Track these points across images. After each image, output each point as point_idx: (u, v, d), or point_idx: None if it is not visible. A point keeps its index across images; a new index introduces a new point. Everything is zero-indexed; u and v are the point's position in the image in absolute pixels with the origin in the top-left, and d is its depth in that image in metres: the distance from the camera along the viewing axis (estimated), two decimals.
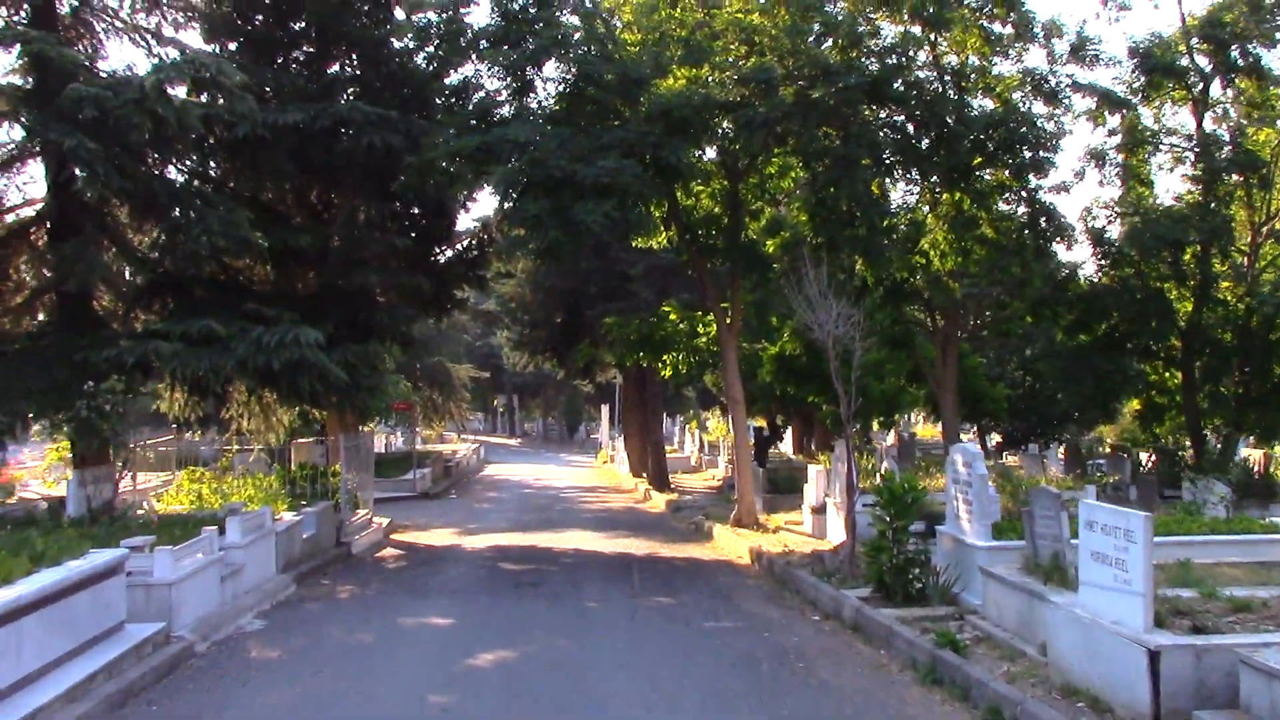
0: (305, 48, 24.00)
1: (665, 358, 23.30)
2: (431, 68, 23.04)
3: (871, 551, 12.57)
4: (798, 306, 17.60)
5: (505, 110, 19.56)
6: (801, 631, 12.18)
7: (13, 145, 19.60)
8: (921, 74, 20.09)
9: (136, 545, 11.60)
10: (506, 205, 19.08)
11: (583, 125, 18.51)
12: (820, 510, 19.30)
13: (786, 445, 51.15)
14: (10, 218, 21.10)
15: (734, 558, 18.69)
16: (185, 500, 19.09)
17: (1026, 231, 21.68)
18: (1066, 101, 20.73)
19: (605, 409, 65.72)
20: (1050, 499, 10.30)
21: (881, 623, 11.42)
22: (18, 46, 17.46)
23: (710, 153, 21.96)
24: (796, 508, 23.23)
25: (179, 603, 11.48)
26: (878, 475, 16.81)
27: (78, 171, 17.19)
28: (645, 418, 37.61)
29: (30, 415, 17.24)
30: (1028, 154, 20.29)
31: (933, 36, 20.54)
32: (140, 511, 17.44)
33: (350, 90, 22.93)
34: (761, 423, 36.50)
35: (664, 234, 22.19)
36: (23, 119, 17.49)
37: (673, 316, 23.10)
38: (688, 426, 58.74)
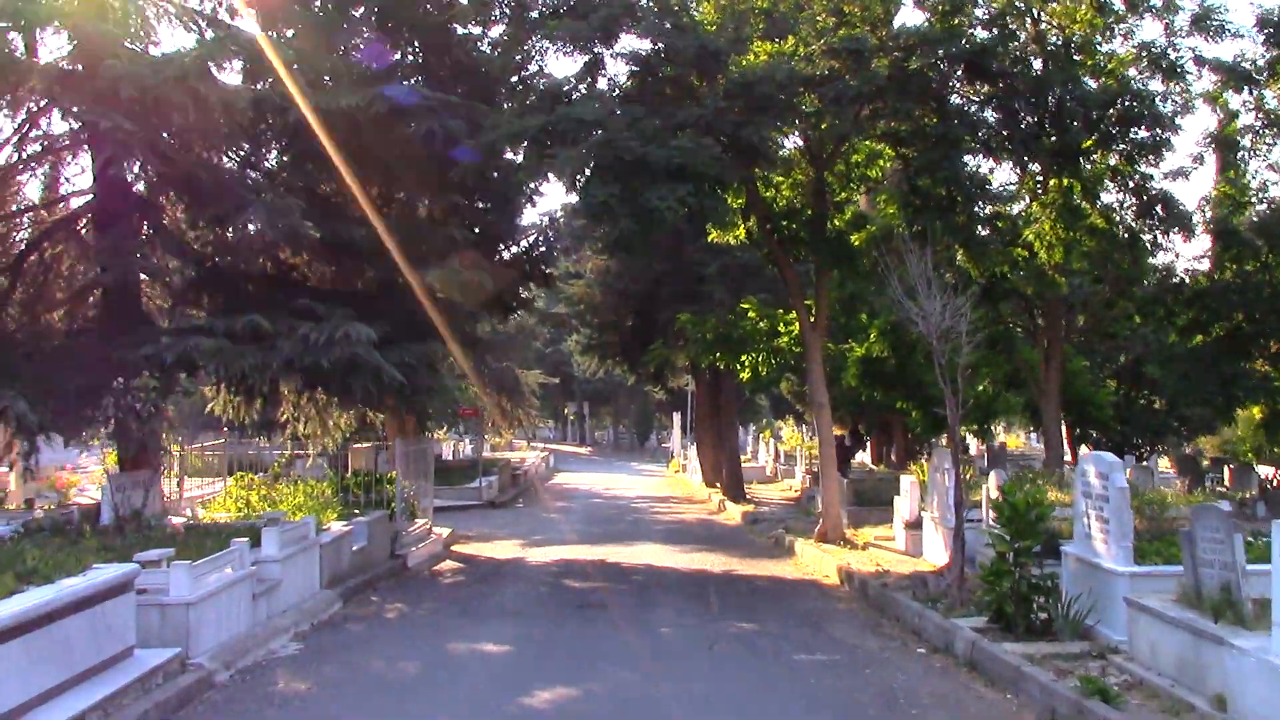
0: (366, 34, 22.90)
1: (744, 358, 21.66)
2: (498, 54, 21.77)
3: (990, 576, 10.85)
4: (895, 300, 15.94)
5: (573, 94, 18.16)
6: (908, 668, 10.52)
7: (63, 133, 18.83)
8: (1026, 45, 18.30)
9: (152, 560, 10.31)
10: (573, 192, 17.75)
11: (655, 104, 17.04)
12: (915, 525, 17.57)
13: (863, 455, 49.27)
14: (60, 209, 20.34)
15: (820, 577, 17.03)
16: (233, 508, 17.90)
17: (1140, 221, 19.80)
18: (1188, 78, 18.79)
19: (677, 417, 64.17)
20: (1218, 519, 8.55)
21: (1006, 661, 9.71)
22: (55, 22, 16.47)
23: (791, 141, 20.38)
24: (885, 522, 21.50)
25: (199, 625, 10.14)
26: (986, 489, 15.05)
27: (114, 155, 16.07)
28: (719, 425, 36.00)
29: (63, 415, 16.11)
30: (1144, 135, 18.44)
31: (1035, 11, 18.79)
32: (178, 520, 16.27)
33: (414, 79, 21.74)
34: (842, 430, 34.68)
35: (742, 226, 20.60)
36: (60, 101, 16.42)
37: (752, 314, 21.47)
38: (761, 435, 57.02)
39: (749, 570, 18.02)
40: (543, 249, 24.67)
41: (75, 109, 16.57)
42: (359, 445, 24.22)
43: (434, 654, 11.32)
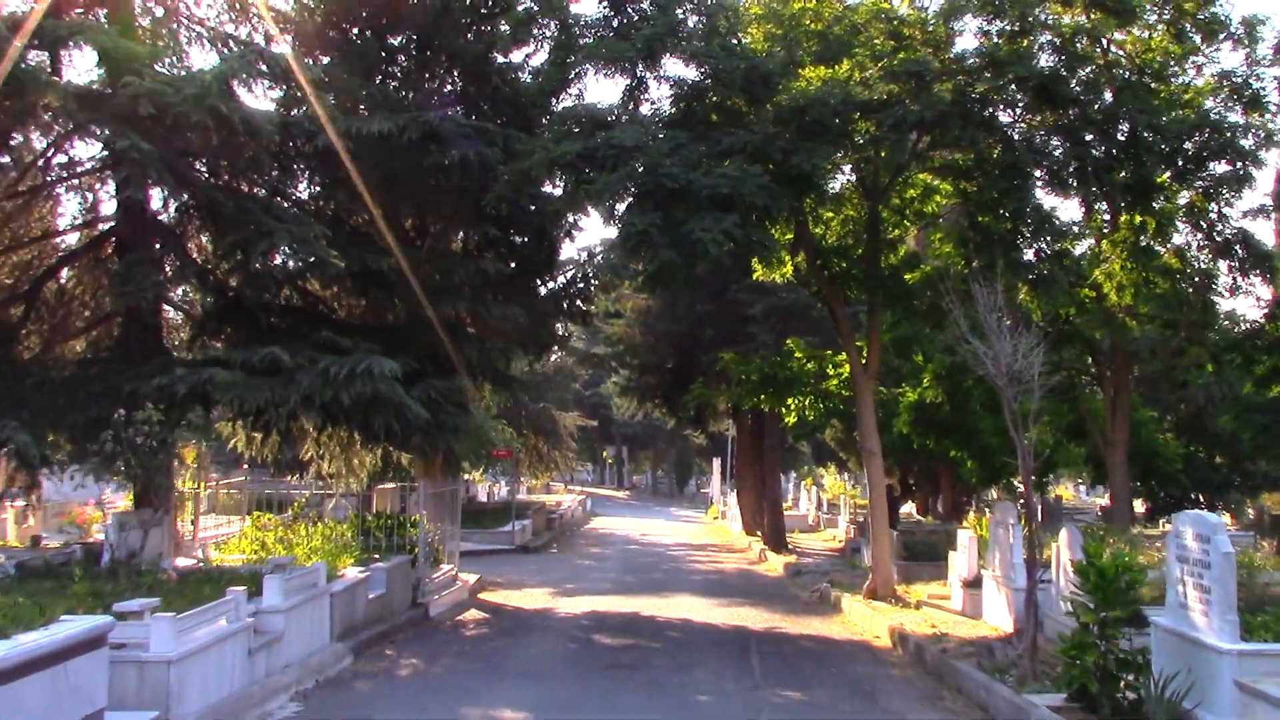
0: (403, 62, 22.24)
1: (790, 402, 20.49)
2: (538, 83, 20.95)
3: (1071, 649, 9.59)
4: (958, 340, 14.82)
5: (614, 122, 17.24)
6: None
7: (92, 159, 18.19)
8: (1097, 74, 17.20)
9: (133, 610, 9.31)
10: (611, 224, 16.84)
11: (700, 131, 16.09)
12: (974, 584, 16.28)
13: (908, 507, 47.74)
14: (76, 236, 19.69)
15: (870, 638, 15.77)
16: (248, 549, 16.95)
17: (1214, 262, 18.57)
18: (1270, 108, 17.58)
19: (717, 462, 62.92)
20: None
21: None
22: (79, 39, 15.77)
23: (843, 176, 19.38)
24: (938, 578, 20.18)
25: (182, 684, 9.10)
26: (1056, 547, 13.77)
27: (130, 175, 15.27)
28: (761, 472, 34.77)
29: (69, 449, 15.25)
30: (1224, 169, 17.25)
31: (1104, 40, 17.71)
32: (185, 562, 15.32)
33: (451, 109, 20.95)
34: (889, 480, 33.35)
35: (789, 262, 19.56)
36: (77, 118, 15.68)
37: (799, 355, 20.33)
38: (803, 483, 55.66)
39: (793, 628, 16.79)
40: (580, 285, 23.67)
41: (94, 129, 15.83)
42: (384, 486, 23.25)
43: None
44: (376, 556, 16.98)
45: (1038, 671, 10.86)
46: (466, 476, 54.75)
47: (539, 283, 23.39)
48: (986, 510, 36.98)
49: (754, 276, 21.39)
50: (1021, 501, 14.47)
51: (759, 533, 36.70)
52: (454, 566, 20.55)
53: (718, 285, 32.25)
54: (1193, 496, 30.46)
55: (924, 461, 29.40)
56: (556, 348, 25.78)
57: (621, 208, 16.15)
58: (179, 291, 20.19)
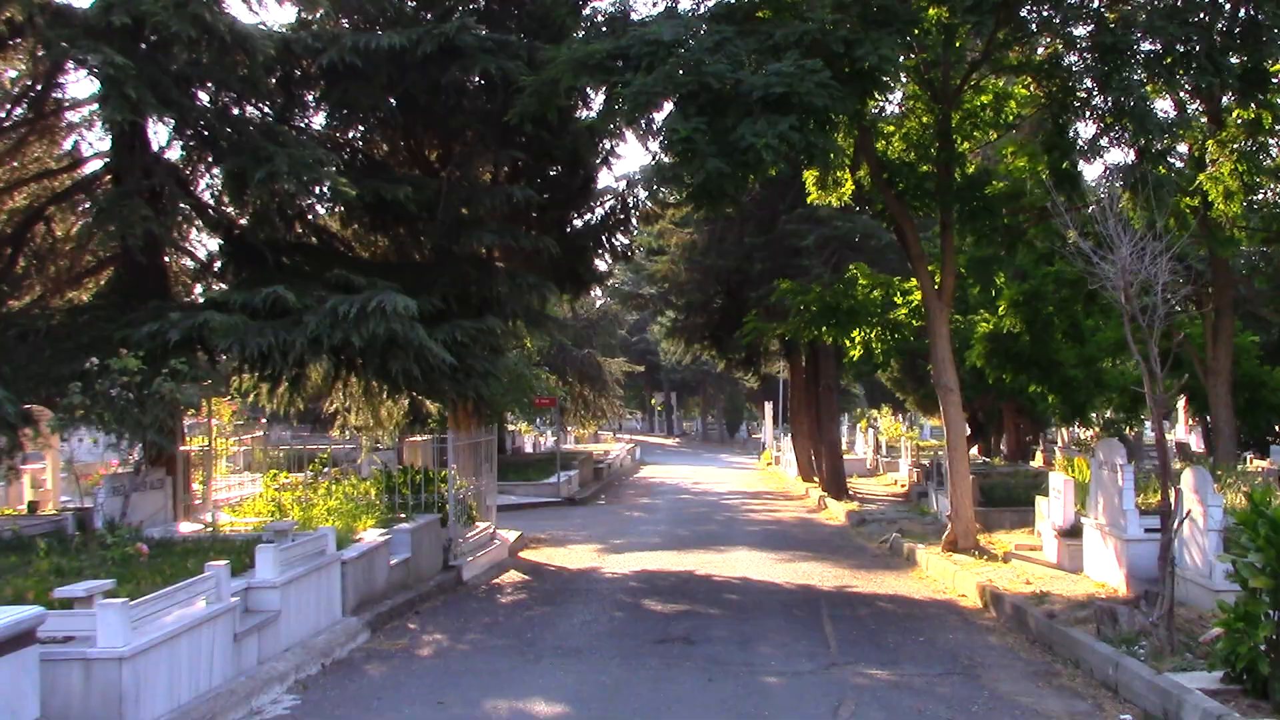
0: None
1: (854, 334, 18.50)
2: None
3: (1237, 620, 7.70)
4: (1059, 250, 12.84)
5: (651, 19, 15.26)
6: None
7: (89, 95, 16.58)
8: None
9: (78, 595, 7.68)
10: (649, 140, 14.99)
11: (748, 25, 14.09)
12: (1071, 534, 14.38)
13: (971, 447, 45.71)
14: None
15: (956, 597, 13.94)
16: (265, 511, 15.43)
17: None
18: None
19: (769, 406, 61.03)
20: None
21: None
22: None
23: (903, 86, 17.27)
24: (1020, 526, 18.33)
25: (141, 684, 7.47)
26: (1183, 491, 11.83)
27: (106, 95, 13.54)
28: (817, 415, 32.85)
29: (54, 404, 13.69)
30: None
31: None
32: (193, 527, 13.78)
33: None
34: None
35: (849, 180, 17.53)
36: (46, 36, 13.94)
37: (862, 282, 18.30)
38: (859, 425, 53.66)
39: (866, 586, 15.00)
40: (620, 217, 21.81)
41: (66, 47, 14.10)
42: (414, 439, 21.62)
43: (464, 717, 8.55)
44: (403, 516, 15.40)
45: (1175, 643, 8.99)
46: (512, 427, 53.46)
47: (574, 215, 21.56)
48: (1055, 449, 34.97)
49: (809, 200, 19.29)
50: (1136, 436, 12.48)
51: (816, 479, 34.89)
52: (491, 524, 18.94)
53: (767, 217, 30.25)
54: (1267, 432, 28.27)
55: (991, 398, 27.37)
56: (596, 286, 23.84)
57: (661, 118, 14.30)
58: (187, 233, 18.58)
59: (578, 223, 21.65)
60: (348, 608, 11.79)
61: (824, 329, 17.97)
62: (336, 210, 18.39)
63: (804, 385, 36.60)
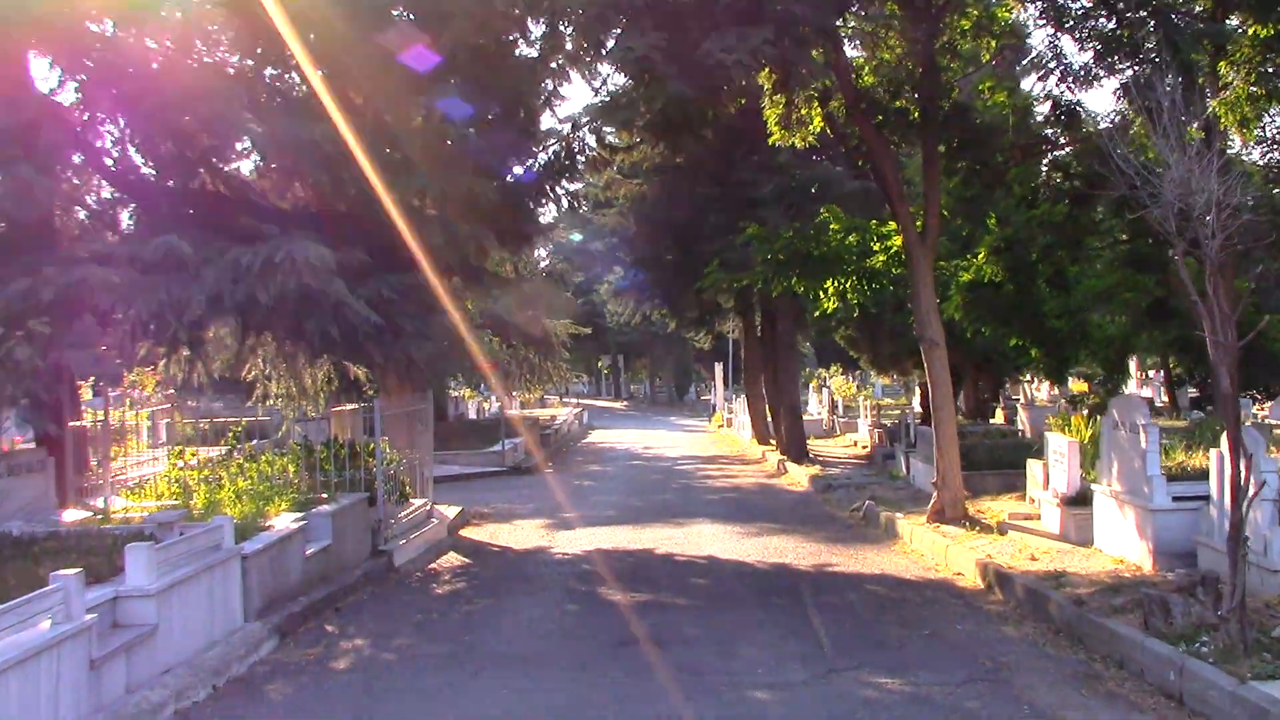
0: None
1: (827, 284, 16.78)
2: None
3: None
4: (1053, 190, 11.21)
5: None
6: None
7: None
8: None
9: None
10: (601, 64, 13.17)
11: None
12: (1078, 502, 12.86)
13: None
14: None
15: (951, 575, 12.39)
16: (169, 493, 13.50)
17: None
18: None
19: (719, 368, 59.64)
20: None
21: None
22: None
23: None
24: (1008, 491, 16.93)
25: None
26: (1221, 455, 10.31)
27: None
28: (775, 375, 31.29)
29: None
30: None
31: None
32: (80, 515, 11.84)
33: None
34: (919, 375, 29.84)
35: (818, 114, 15.78)
36: None
37: (835, 227, 16.53)
38: (809, 385, 52.30)
39: (848, 564, 13.41)
40: (565, 162, 19.93)
41: None
42: (342, 409, 19.68)
43: None
44: (324, 497, 13.57)
45: (1249, 641, 7.44)
46: (455, 393, 51.41)
47: (515, 161, 19.61)
48: (1018, 408, 33.71)
49: (771, 141, 17.49)
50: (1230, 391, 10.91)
51: (772, 441, 33.43)
52: (428, 499, 17.16)
53: (720, 167, 28.47)
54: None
55: (956, 355, 25.81)
56: (540, 239, 21.85)
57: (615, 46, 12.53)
58: (88, 183, 16.48)
59: (518, 169, 19.71)
60: (251, 611, 9.97)
61: (794, 279, 16.22)
62: (250, 155, 16.49)
63: (758, 344, 35.06)
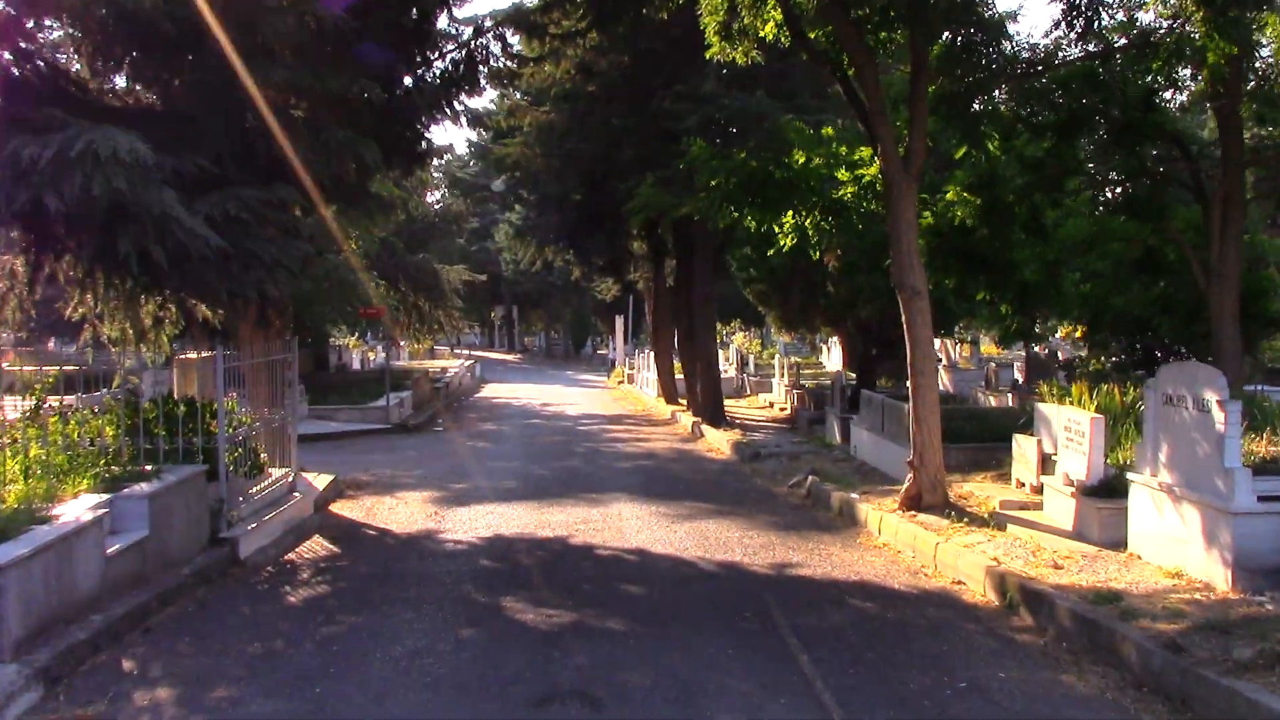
0: None
1: (787, 218, 13.87)
2: None
3: None
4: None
5: None
6: None
7: None
8: None
9: None
10: None
11: None
12: (1104, 493, 10.39)
13: (835, 363, 42.22)
14: None
15: (949, 584, 9.83)
16: None
17: None
18: None
19: (619, 321, 56.75)
20: None
21: None
22: None
23: None
24: (981, 470, 14.67)
25: None
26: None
27: None
28: (690, 328, 28.68)
29: None
30: None
31: None
32: None
33: None
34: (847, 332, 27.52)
35: (775, 13, 12.92)
36: None
37: (798, 153, 13.56)
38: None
39: (814, 564, 10.77)
40: (464, 68, 16.86)
41: None
42: (187, 356, 16.34)
43: None
44: (148, 469, 10.47)
45: None
46: (338, 341, 47.79)
47: (405, 68, 16.45)
48: (940, 369, 31.64)
49: (709, 54, 14.56)
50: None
51: (682, 401, 30.93)
52: (290, 470, 14.09)
53: (639, 96, 25.52)
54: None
55: (881, 308, 23.13)
56: (433, 161, 18.63)
57: None
58: None
59: (408, 80, 16.55)
60: (5, 647, 6.93)
61: (747, 209, 13.36)
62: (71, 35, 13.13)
63: (669, 295, 32.40)
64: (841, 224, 13.74)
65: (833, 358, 44.77)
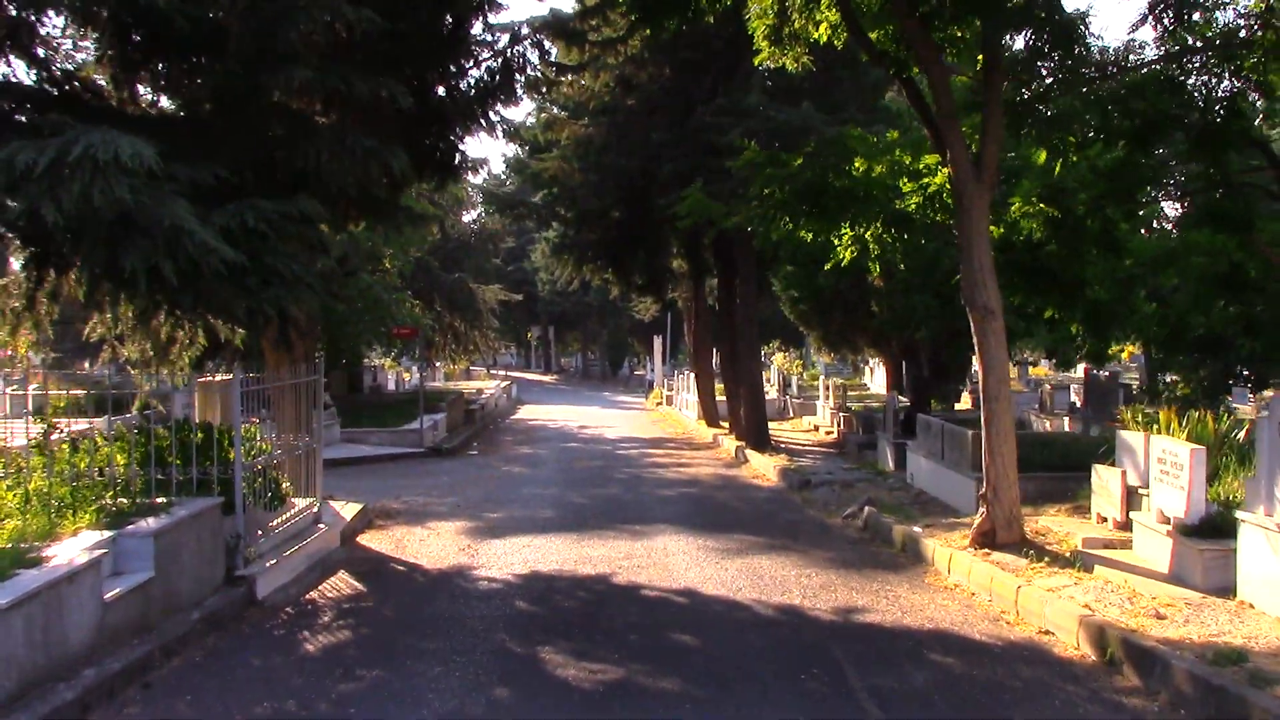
0: None
1: (844, 231, 12.78)
2: None
3: None
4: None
5: None
6: None
7: None
8: None
9: None
10: None
11: None
12: (1205, 532, 9.37)
13: (879, 385, 41.05)
14: None
15: (1035, 633, 8.80)
16: None
17: None
18: None
19: (658, 341, 55.97)
20: None
21: None
22: None
23: None
24: (1050, 502, 13.63)
25: None
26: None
27: None
28: (733, 348, 27.73)
29: None
30: None
31: None
32: None
33: None
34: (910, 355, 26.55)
35: (831, 13, 12.02)
36: None
37: (858, 164, 12.40)
38: None
39: (881, 608, 9.78)
40: (499, 77, 16.05)
41: None
42: (208, 379, 15.55)
43: None
44: (160, 502, 9.71)
45: None
46: (375, 362, 47.17)
47: (438, 76, 15.66)
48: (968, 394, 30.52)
49: (756, 61, 13.73)
50: None
51: (723, 424, 30.00)
52: (316, 499, 13.29)
53: (679, 109, 24.77)
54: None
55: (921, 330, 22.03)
56: (468, 174, 17.69)
57: None
58: None
59: (441, 90, 15.75)
60: None
61: (803, 220, 12.34)
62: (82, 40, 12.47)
63: (709, 315, 31.51)
64: (906, 237, 12.76)
65: (875, 379, 43.68)
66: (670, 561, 12.05)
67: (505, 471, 22.42)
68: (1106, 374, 26.13)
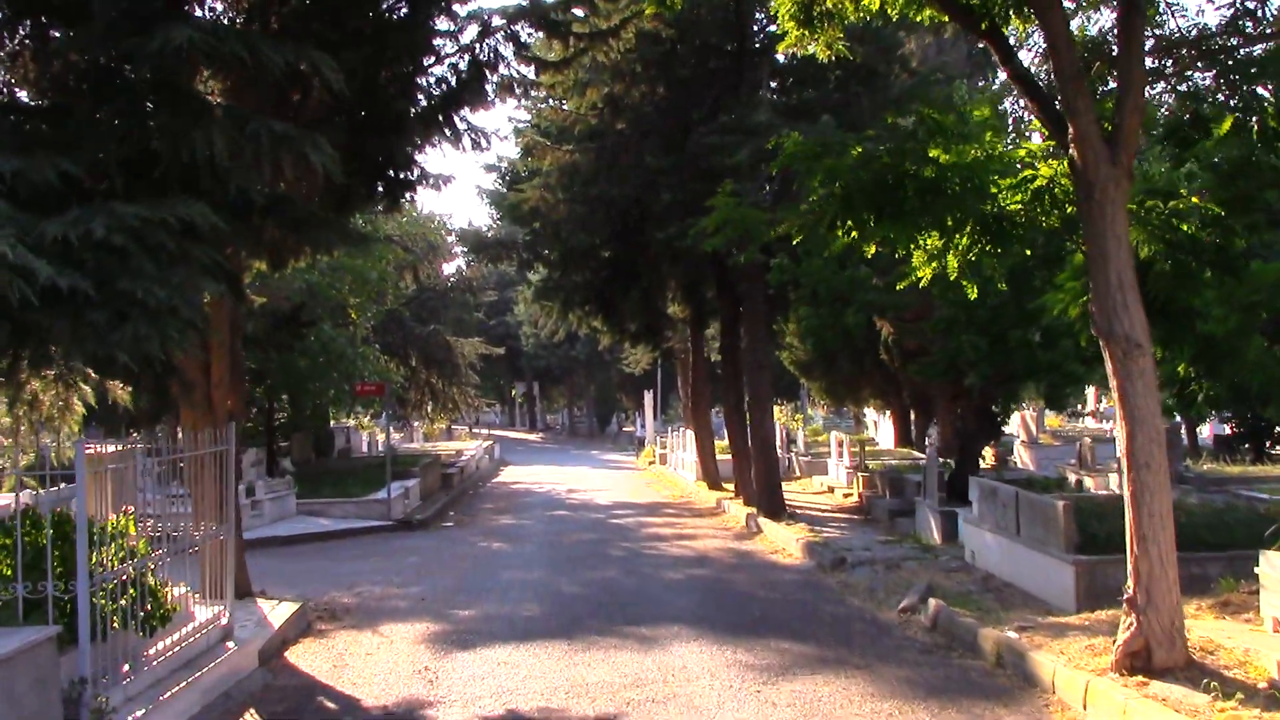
0: None
1: (920, 236, 9.41)
2: None
3: None
4: None
5: None
6: None
7: None
8: None
9: None
10: None
11: None
12: None
13: (885, 437, 38.08)
14: None
15: None
16: None
17: None
18: None
19: (649, 396, 52.91)
20: None
21: None
22: None
23: None
24: (1195, 595, 10.45)
25: None
26: None
27: None
28: (739, 400, 24.69)
29: None
30: None
31: None
32: None
33: None
34: (947, 399, 23.53)
35: None
36: None
37: (935, 151, 9.11)
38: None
39: None
40: (466, 76, 13.14)
41: None
42: (99, 450, 12.23)
43: None
44: None
45: None
46: (349, 423, 43.83)
47: (390, 69, 12.69)
48: (1017, 444, 27.52)
49: (781, 47, 10.87)
50: None
51: (727, 486, 26.89)
52: (224, 605, 10.15)
53: (676, 130, 21.94)
54: None
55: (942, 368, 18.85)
56: (423, 184, 14.43)
57: None
58: None
59: (393, 90, 12.76)
60: None
61: (875, 223, 9.11)
62: None
63: (705, 363, 28.53)
64: (1000, 251, 9.68)
65: (882, 433, 40.69)
66: (695, 692, 8.88)
67: (483, 549, 19.25)
68: (1168, 425, 23.14)
